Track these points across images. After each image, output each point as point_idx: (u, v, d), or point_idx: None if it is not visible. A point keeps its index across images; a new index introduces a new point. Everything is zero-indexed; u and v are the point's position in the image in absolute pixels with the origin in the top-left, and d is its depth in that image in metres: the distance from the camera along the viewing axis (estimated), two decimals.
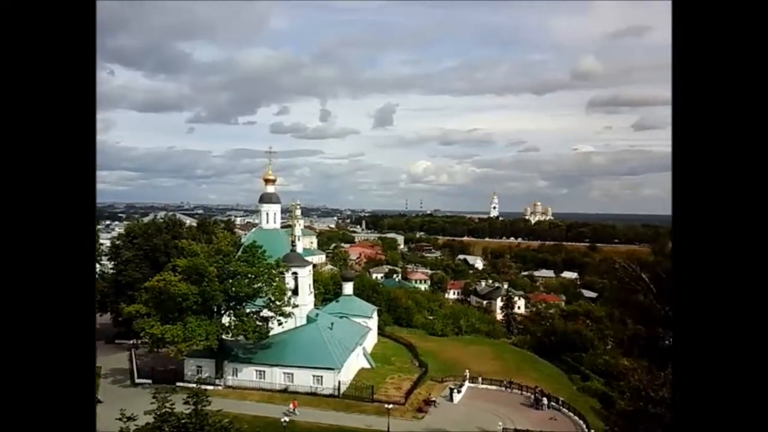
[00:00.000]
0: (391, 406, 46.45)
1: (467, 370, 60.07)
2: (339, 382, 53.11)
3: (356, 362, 61.32)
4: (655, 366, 40.53)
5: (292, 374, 54.31)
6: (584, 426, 46.76)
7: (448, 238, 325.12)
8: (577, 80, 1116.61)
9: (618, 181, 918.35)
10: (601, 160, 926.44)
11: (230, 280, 53.19)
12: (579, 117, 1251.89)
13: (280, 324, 55.53)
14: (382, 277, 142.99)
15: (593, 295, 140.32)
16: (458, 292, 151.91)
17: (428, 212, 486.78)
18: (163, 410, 26.38)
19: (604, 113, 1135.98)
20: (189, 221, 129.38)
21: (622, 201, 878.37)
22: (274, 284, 54.80)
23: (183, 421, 26.49)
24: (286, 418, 42.06)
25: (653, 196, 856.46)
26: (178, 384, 52.35)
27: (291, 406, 47.94)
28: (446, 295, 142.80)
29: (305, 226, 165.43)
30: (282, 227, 76.47)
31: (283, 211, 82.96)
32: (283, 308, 54.23)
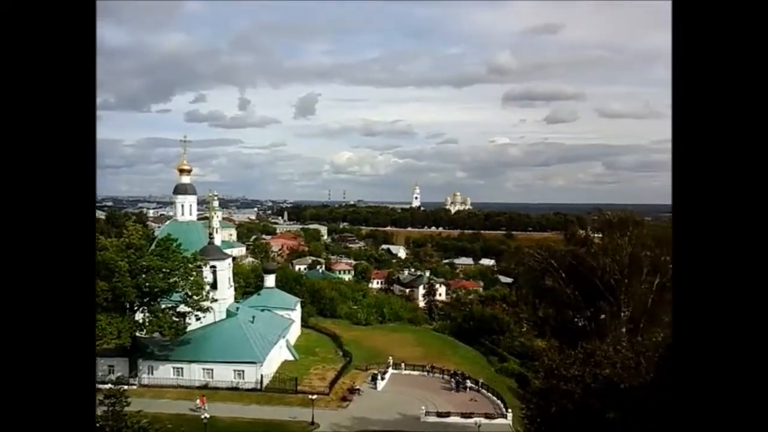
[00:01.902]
0: (315, 396, 46.28)
1: (390, 357, 60.97)
2: (261, 376, 52.15)
3: (279, 355, 60.49)
4: (566, 346, 43.12)
5: (212, 370, 52.67)
6: (502, 405, 48.90)
7: (372, 228, 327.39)
8: (494, 74, 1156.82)
9: (532, 172, 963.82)
10: (517, 151, 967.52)
11: (143, 275, 50.44)
12: (495, 110, 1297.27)
13: (198, 319, 53.55)
14: (305, 269, 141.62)
15: (509, 280, 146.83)
16: (382, 282, 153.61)
17: (351, 203, 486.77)
18: None
19: (518, 107, 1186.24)
20: (96, 213, 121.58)
21: (536, 190, 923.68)
22: (191, 278, 52.64)
23: (99, 423, 24.94)
24: (206, 415, 40.68)
25: (564, 186, 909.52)
26: None
27: (199, 402, 46.44)
28: (370, 285, 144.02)
29: (224, 218, 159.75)
30: (199, 219, 73.66)
31: (200, 202, 79.95)
32: (201, 303, 52.30)
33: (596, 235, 57.93)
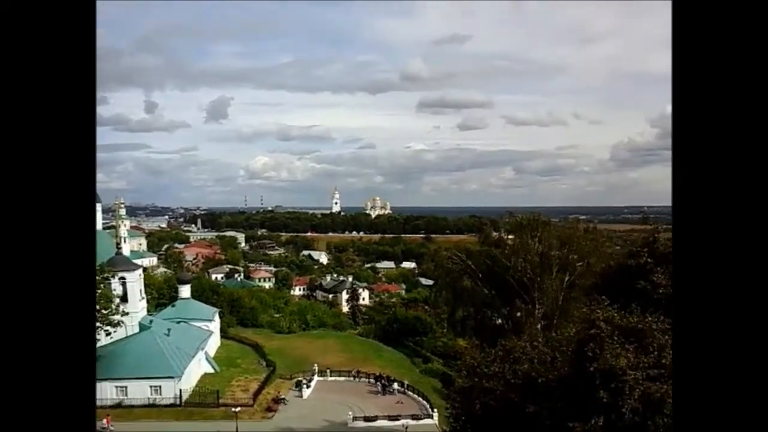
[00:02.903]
0: (238, 408, 44.77)
1: (316, 365, 60.35)
2: (180, 390, 49.80)
3: (198, 368, 58.09)
4: (486, 344, 44.75)
5: (126, 387, 49.61)
6: (428, 406, 49.84)
7: (292, 234, 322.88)
8: (407, 82, 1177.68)
9: (447, 176, 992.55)
10: (432, 157, 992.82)
11: None
12: (410, 116, 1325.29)
13: (108, 334, 50.23)
14: (222, 278, 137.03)
15: (430, 282, 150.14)
16: (304, 288, 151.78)
17: (269, 209, 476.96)
18: None
19: (432, 113, 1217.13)
20: None
21: (451, 195, 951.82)
22: (99, 292, 49.46)
23: None
24: None
25: (477, 190, 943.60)
26: None
27: (104, 421, 43.64)
28: (292, 292, 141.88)
29: (132, 227, 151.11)
30: (105, 228, 69.47)
31: (105, 210, 75.49)
32: (111, 317, 49.20)
33: (509, 236, 60.68)
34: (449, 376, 59.06)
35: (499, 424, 25.38)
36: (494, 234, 64.74)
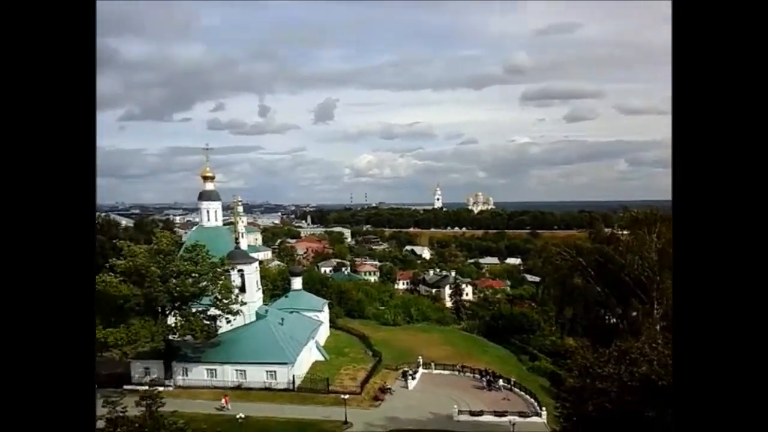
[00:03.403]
0: (347, 396, 46.46)
1: (420, 357, 60.88)
2: (293, 376, 52.60)
3: (309, 356, 60.88)
4: (598, 344, 42.54)
5: (245, 371, 53.33)
6: (536, 404, 48.44)
7: (395, 229, 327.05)
8: (510, 75, 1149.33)
9: (554, 170, 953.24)
10: (537, 150, 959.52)
11: (174, 280, 51.39)
12: (514, 110, 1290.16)
13: (228, 322, 54.27)
14: (330, 271, 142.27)
15: (536, 279, 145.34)
16: (407, 282, 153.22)
17: (373, 205, 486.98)
18: (115, 415, 25.22)
19: (536, 106, 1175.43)
20: (125, 221, 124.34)
21: (559, 189, 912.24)
22: (220, 282, 53.46)
23: (137, 425, 25.43)
24: (242, 414, 41.24)
25: (588, 183, 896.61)
26: (126, 387, 50.24)
27: (223, 401, 47.35)
28: (396, 286, 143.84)
29: (249, 223, 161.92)
30: (224, 225, 74.62)
31: (224, 208, 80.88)
32: (231, 306, 53.04)
33: (622, 232, 57.06)
34: (558, 375, 57.00)
35: (615, 427, 24.17)
36: (606, 229, 61.18)
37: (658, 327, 45.46)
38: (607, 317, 57.34)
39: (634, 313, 52.10)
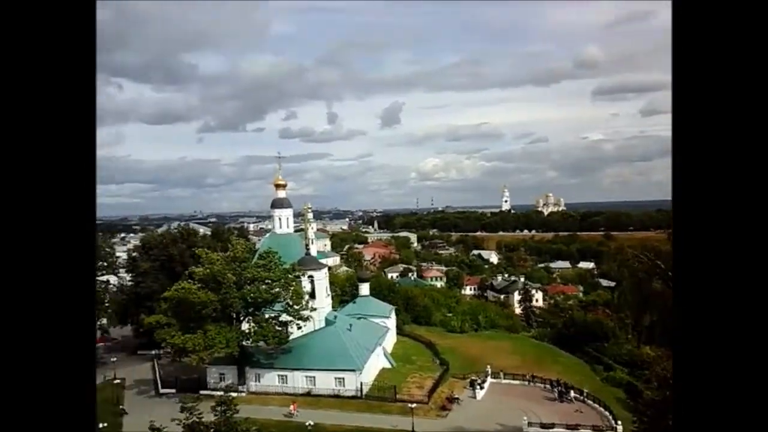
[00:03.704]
0: (414, 405, 46.38)
1: (489, 366, 59.81)
2: (361, 383, 53.11)
3: (377, 362, 61.27)
4: None
5: (314, 377, 54.41)
6: (611, 417, 46.30)
7: (461, 233, 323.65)
8: (581, 69, 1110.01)
9: (630, 167, 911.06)
10: (611, 147, 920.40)
11: (248, 287, 53.40)
12: (585, 106, 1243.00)
13: (299, 328, 55.69)
14: (397, 276, 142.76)
15: (611, 284, 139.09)
16: (475, 288, 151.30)
17: (439, 209, 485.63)
18: (191, 420, 26.50)
19: (609, 101, 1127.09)
20: (203, 230, 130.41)
21: (635, 187, 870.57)
22: (291, 288, 54.92)
23: (212, 430, 26.56)
24: (311, 422, 42.12)
25: (666, 180, 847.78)
26: (202, 392, 52.64)
27: (291, 407, 48.41)
28: (463, 292, 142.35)
29: (318, 229, 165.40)
30: (295, 231, 76.62)
31: (295, 215, 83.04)
32: (302, 312, 54.36)
33: None
34: (635, 387, 54.17)
35: None
36: None
37: None
38: None
39: None
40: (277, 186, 69.76)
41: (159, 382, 59.54)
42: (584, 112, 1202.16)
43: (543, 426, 44.47)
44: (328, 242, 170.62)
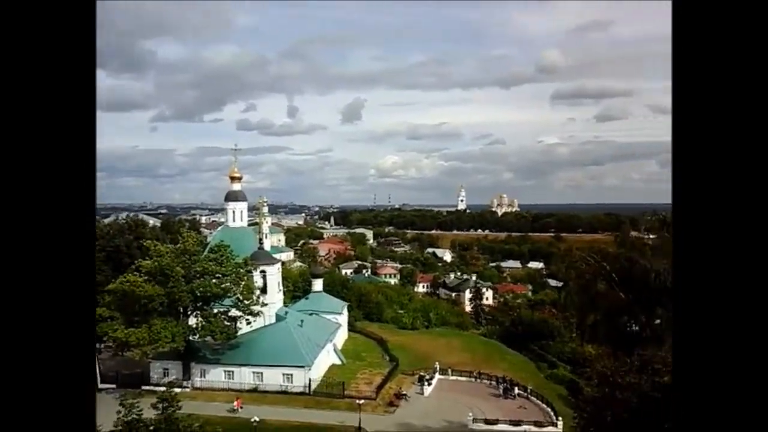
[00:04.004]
0: (362, 401, 46.47)
1: (437, 363, 60.55)
2: (309, 380, 52.83)
3: (327, 359, 61.11)
4: (620, 352, 41.63)
5: (262, 373, 53.76)
6: (552, 413, 47.71)
7: (417, 231, 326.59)
8: (541, 74, 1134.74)
9: (582, 171, 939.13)
10: (566, 151, 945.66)
11: (197, 281, 52.15)
12: (544, 109, 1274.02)
13: (248, 323, 54.80)
14: (351, 273, 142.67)
15: (559, 284, 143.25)
16: (428, 285, 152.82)
17: (397, 206, 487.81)
18: (130, 417, 25.61)
19: (567, 105, 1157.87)
20: (153, 221, 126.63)
21: (587, 191, 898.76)
22: (243, 283, 54.02)
23: (152, 428, 25.77)
24: (256, 418, 41.54)
25: (616, 185, 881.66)
26: (144, 387, 51.16)
27: (235, 403, 47.76)
28: (416, 289, 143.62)
29: (273, 223, 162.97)
30: (249, 225, 75.34)
31: (250, 208, 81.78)
32: (252, 307, 53.53)
33: (650, 236, 55.84)
34: (577, 384, 56.05)
35: None
36: (633, 233, 59.96)
37: None
38: (629, 325, 56.21)
39: (658, 321, 50.95)
40: (233, 178, 68.42)
41: (98, 376, 57.34)
42: (542, 115, 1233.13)
43: (487, 422, 45.40)
44: (282, 237, 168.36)
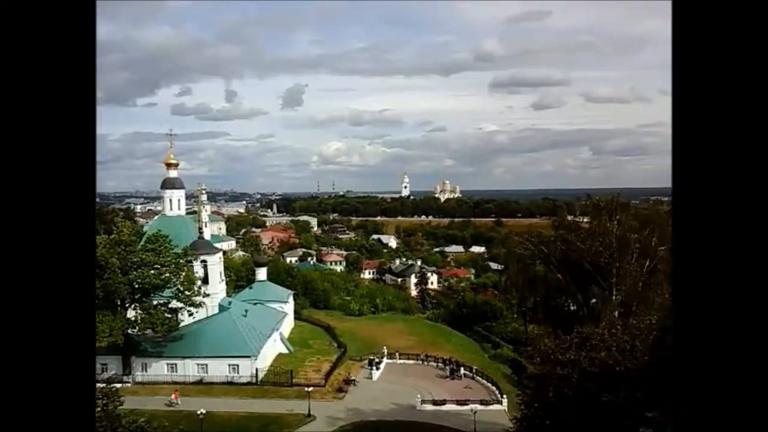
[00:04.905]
0: (311, 388, 46.30)
1: (385, 347, 61.13)
2: (256, 370, 52.08)
3: (273, 348, 60.41)
4: (559, 330, 43.41)
5: (207, 365, 52.49)
6: (497, 392, 49.24)
7: (362, 218, 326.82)
8: (481, 62, 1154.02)
9: (520, 158, 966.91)
10: (504, 138, 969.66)
11: (134, 272, 50.02)
12: (483, 97, 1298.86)
13: (191, 315, 53.27)
14: (296, 261, 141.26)
15: (500, 267, 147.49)
16: (373, 272, 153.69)
17: (341, 193, 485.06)
18: None
19: (506, 93, 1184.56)
20: None
21: (524, 177, 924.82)
22: (183, 274, 52.30)
23: None
24: (203, 410, 40.52)
25: (553, 171, 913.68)
26: None
27: (173, 396, 46.58)
28: (362, 275, 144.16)
29: (212, 212, 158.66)
30: (187, 214, 73.04)
31: (188, 196, 79.26)
32: (193, 298, 52.04)
33: (585, 219, 58.22)
34: (519, 363, 58.21)
35: (574, 412, 24.67)
36: (569, 217, 62.30)
37: (616, 313, 46.71)
38: (567, 304, 58.67)
39: (594, 300, 53.43)
40: (169, 165, 65.85)
41: None
42: (482, 103, 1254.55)
43: (435, 403, 46.33)
44: (223, 226, 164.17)
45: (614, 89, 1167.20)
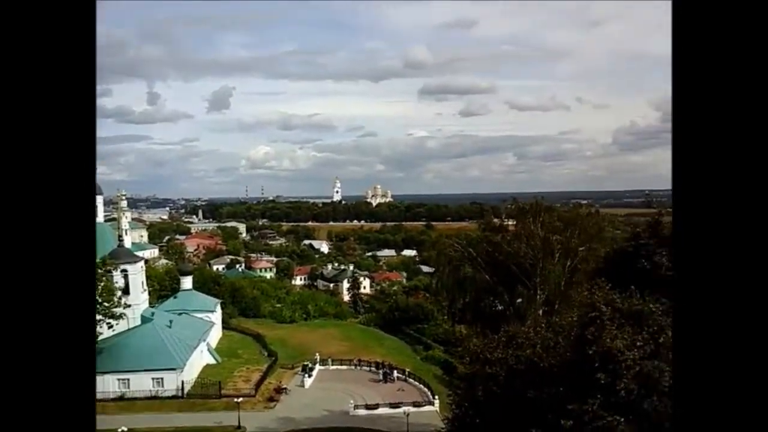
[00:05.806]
0: (240, 399, 44.94)
1: (317, 354, 60.44)
2: (182, 382, 49.95)
3: (200, 359, 58.26)
4: (488, 330, 44.63)
5: (128, 380, 49.74)
6: (429, 393, 49.90)
7: (293, 224, 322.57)
8: (410, 69, 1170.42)
9: (449, 163, 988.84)
10: (434, 144, 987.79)
11: None
12: (412, 104, 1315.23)
13: (110, 327, 50.24)
14: (223, 269, 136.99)
15: (431, 270, 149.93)
16: (305, 278, 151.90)
17: (270, 198, 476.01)
18: None
19: (435, 100, 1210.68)
20: None
21: (453, 182, 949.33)
22: (101, 284, 49.36)
23: None
24: (124, 428, 38.27)
25: (479, 176, 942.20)
26: None
27: None
28: (293, 282, 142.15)
29: (133, 219, 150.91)
30: (106, 221, 69.31)
31: (107, 203, 75.35)
32: (113, 309, 49.21)
33: (510, 222, 60.36)
34: (450, 363, 59.16)
35: (502, 409, 25.33)
36: (495, 220, 64.38)
37: (541, 312, 48.68)
38: (495, 304, 60.46)
39: (520, 299, 55.41)
40: None
41: None
42: (411, 109, 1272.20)
43: (368, 407, 46.32)
44: (144, 233, 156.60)
45: (536, 97, 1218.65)
